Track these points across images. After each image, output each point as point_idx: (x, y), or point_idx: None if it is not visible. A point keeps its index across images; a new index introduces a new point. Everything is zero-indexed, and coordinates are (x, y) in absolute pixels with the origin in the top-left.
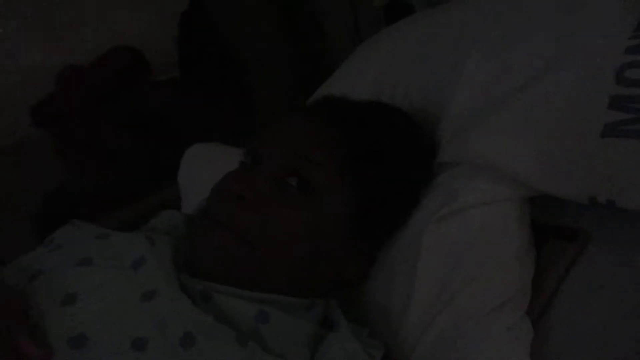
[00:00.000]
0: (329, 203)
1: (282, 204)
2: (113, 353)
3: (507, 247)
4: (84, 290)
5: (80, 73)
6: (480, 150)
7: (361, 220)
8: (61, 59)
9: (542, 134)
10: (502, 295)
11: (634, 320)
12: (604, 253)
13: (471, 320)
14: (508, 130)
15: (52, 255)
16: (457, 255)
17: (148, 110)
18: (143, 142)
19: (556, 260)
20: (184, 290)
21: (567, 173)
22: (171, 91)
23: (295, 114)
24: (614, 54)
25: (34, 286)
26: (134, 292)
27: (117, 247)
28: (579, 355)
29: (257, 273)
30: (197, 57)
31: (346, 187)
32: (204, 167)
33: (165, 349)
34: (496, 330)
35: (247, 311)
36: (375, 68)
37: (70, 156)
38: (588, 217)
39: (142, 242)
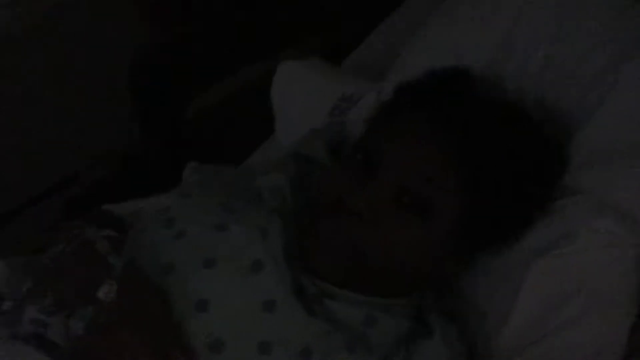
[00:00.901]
0: (445, 222)
1: (399, 226)
2: (245, 356)
3: (616, 299)
4: (214, 296)
5: None
6: (619, 193)
7: (472, 234)
8: None
9: None
10: (602, 341)
11: None
12: None
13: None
14: None
15: (178, 246)
16: (564, 293)
17: None
18: None
19: None
20: (298, 292)
21: None
22: None
23: (419, 118)
24: None
25: (168, 284)
26: (256, 300)
27: (236, 243)
28: None
29: (366, 280)
30: None
31: (463, 207)
32: (298, 89)
33: (287, 358)
34: None
35: (356, 316)
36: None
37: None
38: None
39: (258, 240)
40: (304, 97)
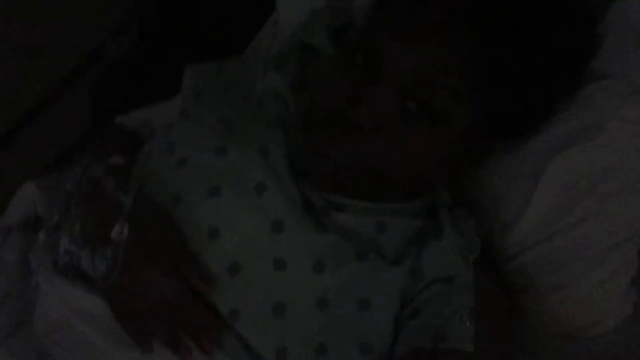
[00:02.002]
0: (456, 125)
1: (406, 134)
2: (263, 274)
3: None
4: (223, 223)
5: None
6: None
7: (489, 131)
8: None
9: None
10: (621, 234)
11: None
12: None
13: (583, 252)
14: None
15: (181, 175)
16: (584, 185)
17: None
18: None
19: None
20: (305, 207)
21: None
22: None
23: (423, 4)
24: None
25: (179, 215)
26: (264, 221)
27: (236, 167)
28: None
29: (374, 189)
30: None
31: (477, 106)
32: None
33: (302, 273)
34: (604, 270)
35: (366, 224)
36: None
37: None
38: None
39: (258, 162)
40: None
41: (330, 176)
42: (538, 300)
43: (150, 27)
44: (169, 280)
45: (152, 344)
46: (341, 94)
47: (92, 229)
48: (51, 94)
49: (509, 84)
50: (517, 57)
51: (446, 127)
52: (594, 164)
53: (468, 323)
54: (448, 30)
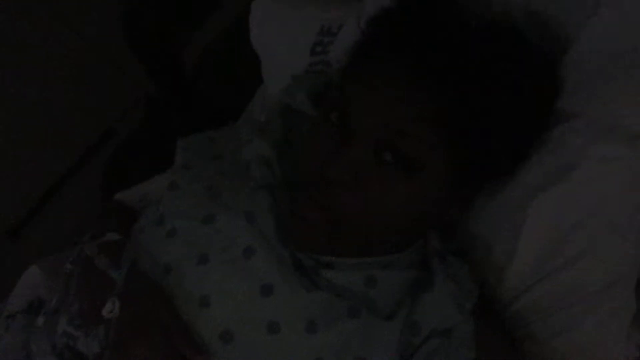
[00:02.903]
0: (434, 173)
1: (384, 185)
2: (256, 339)
3: (627, 222)
4: (213, 291)
5: None
6: (617, 110)
7: (465, 177)
8: None
9: None
10: (614, 273)
11: None
12: None
13: (578, 294)
14: None
15: (171, 245)
16: (570, 226)
17: None
18: None
19: None
20: (296, 267)
21: None
22: None
23: (394, 59)
24: None
25: (170, 285)
26: (254, 286)
27: (224, 234)
28: None
29: (361, 243)
30: None
31: (450, 153)
32: (276, 28)
33: (295, 335)
34: (602, 312)
35: (356, 280)
36: None
37: None
38: None
39: (245, 226)
40: (283, 37)
41: (315, 236)
42: (538, 347)
43: (156, 106)
44: (159, 356)
45: None
46: (320, 154)
47: (86, 308)
48: (63, 178)
49: (478, 130)
50: (484, 104)
51: (424, 175)
52: (575, 204)
53: None
54: (416, 81)
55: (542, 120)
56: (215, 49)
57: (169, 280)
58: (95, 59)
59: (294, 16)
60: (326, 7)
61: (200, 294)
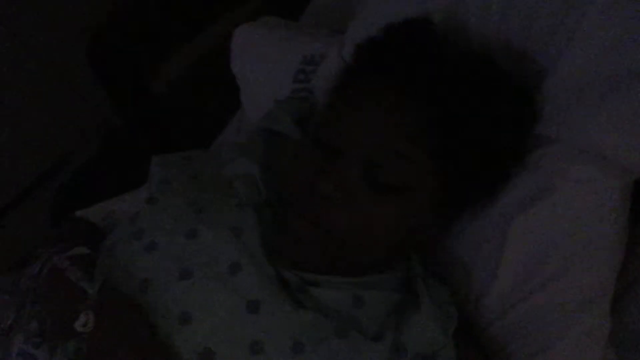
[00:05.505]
0: (420, 194)
1: (372, 203)
2: (238, 358)
3: (601, 242)
4: (195, 307)
5: None
6: (592, 135)
7: (449, 197)
8: None
9: None
10: (589, 292)
11: None
12: None
13: (554, 314)
14: (625, 116)
15: (151, 259)
16: (546, 247)
17: None
18: None
19: None
20: (280, 282)
21: None
22: None
23: (380, 83)
24: None
25: (147, 300)
26: (239, 302)
27: (209, 249)
28: None
29: (347, 261)
30: None
31: (436, 174)
32: (258, 55)
33: (280, 355)
34: (578, 331)
35: (343, 300)
36: None
37: None
38: None
39: (231, 241)
40: (266, 64)
41: (303, 252)
42: None
43: (116, 136)
44: None
45: None
46: (308, 171)
47: (53, 322)
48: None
49: (461, 150)
50: (468, 125)
51: (411, 195)
52: (553, 225)
53: None
54: (404, 102)
55: (521, 144)
56: (189, 74)
57: (146, 296)
58: (56, 84)
59: (277, 45)
60: (309, 37)
61: (181, 310)
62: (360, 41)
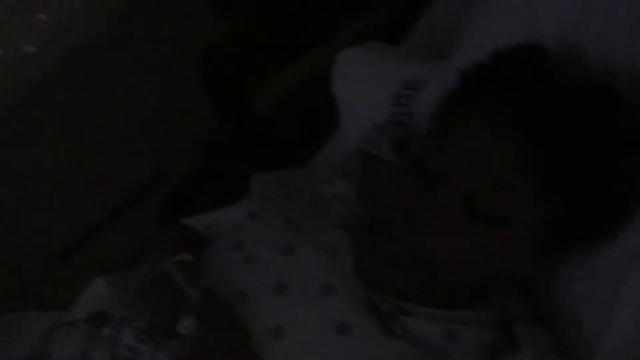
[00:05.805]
0: (522, 227)
1: (471, 232)
2: None
3: None
4: (288, 322)
5: None
6: None
7: (557, 238)
8: None
9: None
10: None
11: None
12: None
13: None
14: None
15: (249, 272)
16: None
17: None
18: None
19: None
20: (372, 309)
21: None
22: None
23: (485, 112)
24: None
25: (244, 312)
26: (330, 323)
27: (304, 267)
28: None
29: (441, 293)
30: None
31: (543, 208)
32: (359, 79)
33: None
34: None
35: (436, 332)
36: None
37: None
38: None
39: (326, 262)
40: (366, 88)
41: (397, 278)
42: None
43: (221, 150)
44: None
45: None
46: (406, 196)
47: (158, 322)
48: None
49: (573, 186)
50: (581, 160)
51: (512, 229)
52: None
53: None
54: (511, 132)
55: None
56: (291, 95)
57: (243, 307)
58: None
59: (377, 68)
60: (410, 62)
61: (275, 324)
62: (466, 67)
